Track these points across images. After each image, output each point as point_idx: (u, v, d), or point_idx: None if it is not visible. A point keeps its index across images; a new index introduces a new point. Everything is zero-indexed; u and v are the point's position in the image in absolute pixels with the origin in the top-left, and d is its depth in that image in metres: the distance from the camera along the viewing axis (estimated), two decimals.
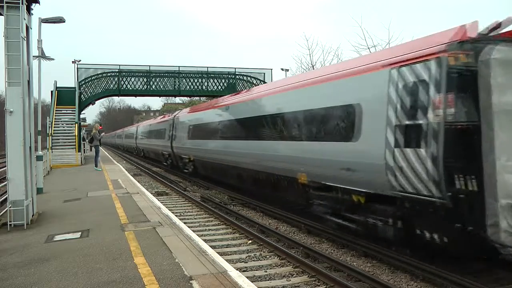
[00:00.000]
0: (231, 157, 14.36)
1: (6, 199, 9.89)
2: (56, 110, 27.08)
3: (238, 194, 14.95)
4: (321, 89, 9.25)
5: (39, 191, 12.41)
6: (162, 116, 32.60)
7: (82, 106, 29.80)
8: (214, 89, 32.97)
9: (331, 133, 8.73)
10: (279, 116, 10.97)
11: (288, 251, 8.01)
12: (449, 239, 6.19)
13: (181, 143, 21.59)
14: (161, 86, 31.97)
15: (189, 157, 20.19)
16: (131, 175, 19.64)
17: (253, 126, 12.60)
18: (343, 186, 8.26)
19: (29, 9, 9.02)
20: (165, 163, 27.04)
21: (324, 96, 9.08)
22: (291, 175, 10.26)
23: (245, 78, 33.62)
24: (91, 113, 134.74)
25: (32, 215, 9.11)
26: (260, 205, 12.75)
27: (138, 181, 17.36)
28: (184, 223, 9.05)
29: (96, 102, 33.47)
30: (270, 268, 7.36)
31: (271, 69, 34.34)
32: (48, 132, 24.03)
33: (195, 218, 11.79)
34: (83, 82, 30.16)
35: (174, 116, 24.27)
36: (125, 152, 55.93)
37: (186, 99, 64.94)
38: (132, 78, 31.33)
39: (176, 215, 9.94)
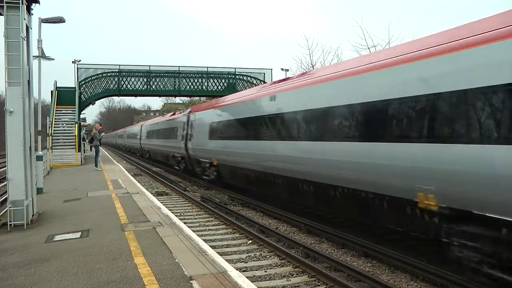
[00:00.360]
0: (283, 164, 10.90)
1: (6, 199, 9.89)
2: (56, 110, 27.12)
3: (238, 194, 14.96)
4: (462, 58, 5.72)
5: (39, 191, 12.42)
6: (171, 113, 28.83)
7: (82, 106, 29.84)
8: (214, 89, 33.05)
9: (502, 132, 5.23)
10: (380, 104, 7.26)
11: (288, 251, 8.00)
12: None
13: (200, 144, 17.99)
14: (161, 86, 32.03)
15: (211, 161, 16.67)
16: (131, 175, 19.64)
17: (327, 122, 8.92)
18: None
19: (29, 9, 9.01)
20: (176, 167, 23.70)
21: (469, 70, 5.59)
22: (400, 195, 6.93)
23: (245, 78, 33.67)
24: (91, 113, 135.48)
25: (32, 215, 9.11)
26: (260, 205, 12.75)
27: (138, 181, 17.36)
28: (184, 223, 9.05)
29: (96, 102, 33.53)
30: (270, 268, 7.35)
31: (271, 69, 34.49)
32: (48, 132, 24.06)
33: (195, 218, 11.80)
34: (83, 82, 30.21)
35: (189, 113, 20.62)
36: (125, 152, 55.81)
37: (186, 99, 65.08)
38: (132, 78, 31.38)
39: (176, 215, 9.94)
